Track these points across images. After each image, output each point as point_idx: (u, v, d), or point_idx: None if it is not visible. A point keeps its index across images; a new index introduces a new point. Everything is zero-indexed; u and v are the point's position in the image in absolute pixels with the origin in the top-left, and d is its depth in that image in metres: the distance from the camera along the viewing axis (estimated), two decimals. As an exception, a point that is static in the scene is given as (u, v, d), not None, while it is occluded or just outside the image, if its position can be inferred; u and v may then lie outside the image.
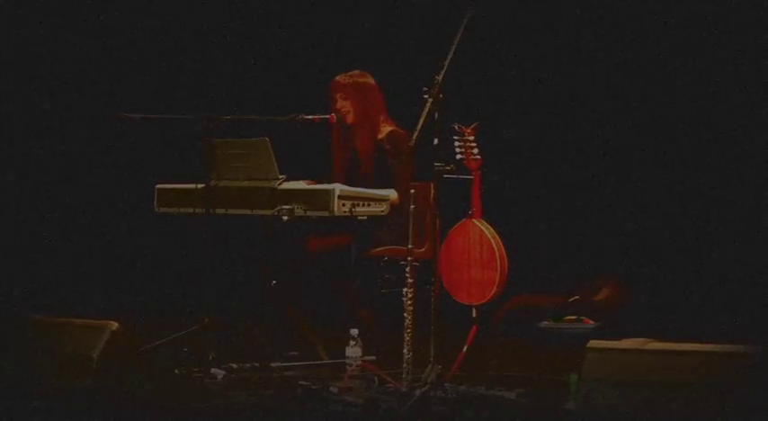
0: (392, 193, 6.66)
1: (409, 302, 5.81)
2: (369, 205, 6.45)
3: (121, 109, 6.89)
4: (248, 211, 6.53)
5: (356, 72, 6.91)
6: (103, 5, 9.08)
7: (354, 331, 6.22)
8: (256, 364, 6.42)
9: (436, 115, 5.80)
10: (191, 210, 6.64)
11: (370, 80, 6.90)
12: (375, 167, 6.81)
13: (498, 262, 6.31)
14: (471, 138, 6.34)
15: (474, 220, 6.37)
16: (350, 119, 6.86)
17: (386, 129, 6.87)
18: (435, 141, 5.84)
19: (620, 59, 8.33)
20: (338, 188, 6.33)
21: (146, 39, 9.12)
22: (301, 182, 6.61)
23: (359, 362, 6.08)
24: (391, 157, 6.80)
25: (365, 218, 6.46)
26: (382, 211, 6.51)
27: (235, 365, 6.35)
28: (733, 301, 7.94)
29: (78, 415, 5.22)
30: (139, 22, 9.12)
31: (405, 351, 5.77)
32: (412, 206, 5.82)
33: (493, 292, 6.33)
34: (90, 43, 9.09)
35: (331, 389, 5.74)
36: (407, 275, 5.82)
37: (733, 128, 8.03)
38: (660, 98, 8.28)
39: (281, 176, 6.44)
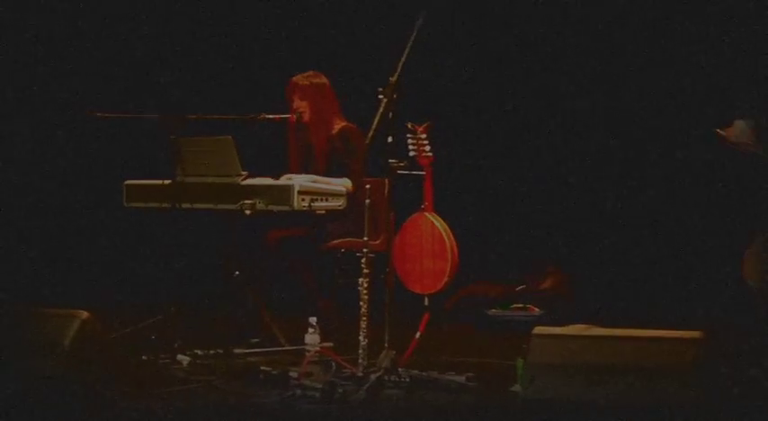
0: (347, 182, 6.66)
1: (365, 292, 5.81)
2: (327, 200, 6.45)
3: (91, 107, 6.83)
4: (213, 206, 6.50)
5: (311, 73, 6.89)
6: (74, 4, 9.00)
7: (313, 319, 6.20)
8: (220, 351, 6.41)
9: (390, 115, 5.80)
10: (158, 204, 6.59)
11: (325, 80, 6.89)
12: (328, 163, 6.80)
13: (449, 253, 6.31)
14: (423, 136, 6.34)
15: (426, 214, 6.36)
16: (306, 117, 6.84)
17: (338, 125, 6.85)
18: (389, 139, 5.85)
19: (568, 59, 8.36)
20: (298, 184, 6.32)
21: (117, 39, 9.05)
22: (269, 178, 6.60)
23: (317, 349, 6.06)
24: (343, 152, 6.78)
25: (323, 212, 6.45)
26: (339, 206, 6.51)
27: (199, 352, 6.34)
28: (671, 289, 7.99)
29: (49, 401, 5.17)
30: (111, 22, 9.04)
31: (361, 338, 5.77)
32: (367, 200, 5.82)
33: (444, 282, 6.33)
34: (61, 42, 9.01)
35: (291, 374, 5.73)
36: (363, 266, 5.82)
37: (674, 121, 8.09)
38: (604, 94, 8.32)
39: (243, 172, 6.42)
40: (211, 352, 6.40)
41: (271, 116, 6.74)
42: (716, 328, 5.30)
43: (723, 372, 5.21)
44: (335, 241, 6.68)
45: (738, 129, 5.98)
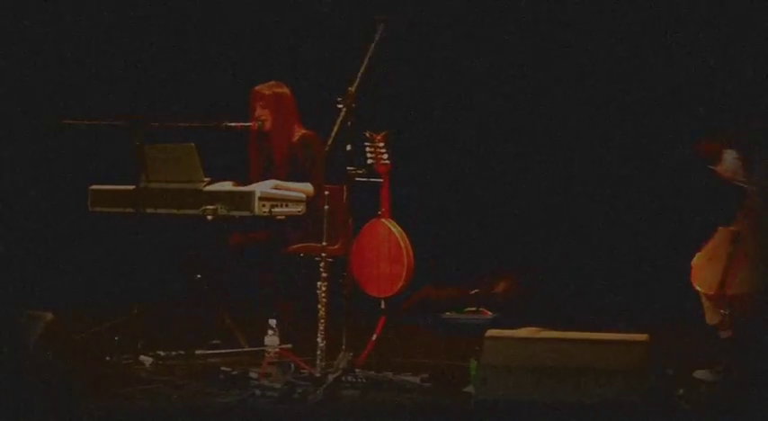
0: (308, 187, 6.67)
1: (323, 295, 5.83)
2: (287, 206, 6.47)
3: (60, 114, 6.82)
4: (176, 211, 6.50)
5: (273, 82, 6.90)
6: (43, 10, 8.96)
7: (273, 321, 6.21)
8: (182, 352, 6.42)
9: (349, 123, 5.83)
10: (122, 209, 6.59)
11: (286, 90, 6.90)
12: (289, 170, 6.81)
13: (405, 258, 6.34)
14: (381, 144, 6.37)
15: (383, 220, 6.40)
16: (267, 125, 6.85)
17: (299, 133, 6.87)
18: (348, 147, 5.87)
19: (523, 67, 8.43)
20: (259, 190, 6.34)
21: (83, 47, 9.01)
22: (228, 183, 6.62)
23: (276, 350, 6.07)
24: (304, 159, 6.79)
25: (283, 217, 6.46)
26: (299, 212, 6.52)
27: (162, 353, 6.34)
28: (619, 293, 8.05)
29: (13, 401, 5.16)
30: (77, 30, 9.00)
31: (319, 339, 5.78)
32: (326, 206, 5.83)
33: (400, 286, 6.36)
34: (27, 48, 8.96)
35: (251, 374, 5.74)
36: (322, 270, 5.83)
37: (629, 130, 8.16)
38: (556, 102, 8.38)
39: (205, 179, 6.44)
40: (173, 353, 6.41)
41: (233, 124, 6.75)
42: (663, 331, 5.36)
43: (669, 374, 5.27)
44: (295, 246, 6.69)
45: (728, 162, 6.03)
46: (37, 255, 8.99)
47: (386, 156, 6.37)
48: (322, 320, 5.81)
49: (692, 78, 7.95)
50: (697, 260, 6.01)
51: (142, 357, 6.24)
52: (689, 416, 5.17)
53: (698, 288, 5.93)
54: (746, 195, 6.02)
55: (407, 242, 6.39)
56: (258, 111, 6.84)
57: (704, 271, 5.93)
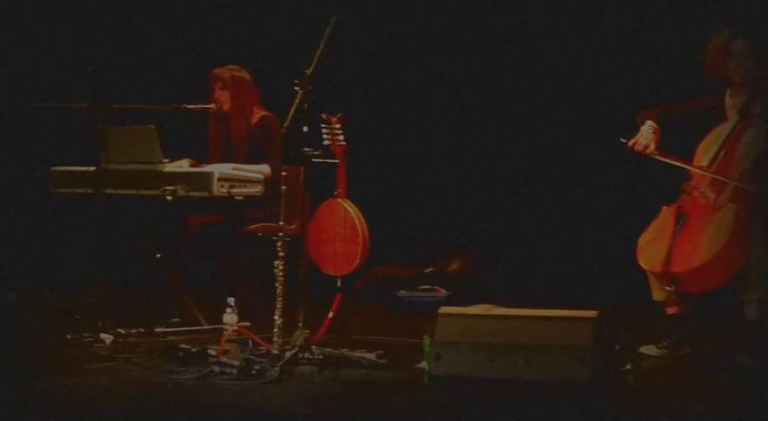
0: (265, 168, 6.66)
1: (281, 274, 5.83)
2: (245, 186, 6.46)
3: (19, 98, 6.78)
4: (136, 192, 6.48)
5: (233, 66, 6.89)
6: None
7: (231, 300, 6.21)
8: (141, 330, 6.40)
9: (306, 105, 5.83)
10: (83, 190, 6.57)
11: (246, 73, 6.89)
12: (248, 151, 6.80)
13: (360, 237, 6.37)
14: (337, 126, 6.38)
15: (339, 200, 6.42)
16: (226, 107, 6.84)
17: (258, 114, 6.86)
18: (305, 129, 5.87)
19: (476, 50, 8.45)
20: (218, 171, 6.33)
21: (45, 30, 8.94)
22: (185, 161, 6.60)
23: (235, 328, 6.07)
24: (263, 140, 6.79)
25: (242, 198, 6.46)
26: (257, 192, 6.52)
27: (122, 331, 6.33)
28: (571, 270, 8.11)
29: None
30: (39, 13, 8.93)
31: (276, 317, 5.79)
32: (283, 187, 5.84)
33: (355, 264, 6.39)
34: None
35: (209, 351, 5.73)
36: (279, 249, 5.84)
37: (578, 111, 8.20)
38: (506, 82, 8.42)
39: (165, 160, 6.42)
40: (133, 331, 6.40)
41: (192, 106, 6.74)
42: (611, 308, 5.41)
43: (616, 349, 5.32)
44: (253, 226, 6.69)
45: (643, 134, 6.04)
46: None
47: (341, 137, 6.38)
48: (279, 298, 5.81)
49: (649, 63, 8.02)
50: (643, 238, 6.04)
51: (102, 335, 6.23)
52: (635, 390, 5.22)
53: (644, 266, 5.96)
54: (690, 176, 6.06)
55: (363, 221, 6.41)
56: (217, 94, 6.83)
57: (649, 249, 5.96)
